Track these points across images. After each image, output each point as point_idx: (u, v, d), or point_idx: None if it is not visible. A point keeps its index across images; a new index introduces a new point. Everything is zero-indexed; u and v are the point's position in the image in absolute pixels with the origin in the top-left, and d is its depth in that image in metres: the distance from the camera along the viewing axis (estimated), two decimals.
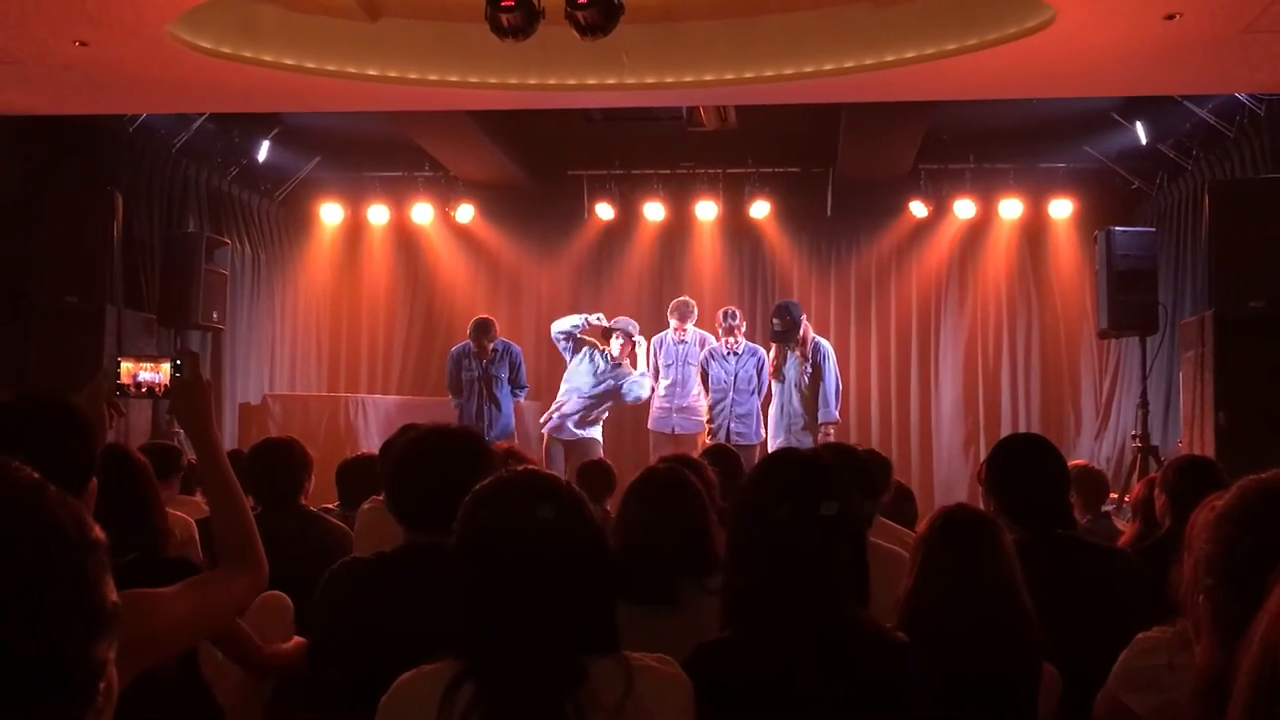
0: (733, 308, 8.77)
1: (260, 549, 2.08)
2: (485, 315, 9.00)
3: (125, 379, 2.36)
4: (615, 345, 8.44)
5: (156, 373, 2.38)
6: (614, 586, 1.83)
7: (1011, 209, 10.18)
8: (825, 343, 8.53)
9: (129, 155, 8.51)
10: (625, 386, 8.45)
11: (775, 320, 8.32)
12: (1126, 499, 6.28)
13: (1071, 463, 5.47)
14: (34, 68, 6.64)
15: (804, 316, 8.40)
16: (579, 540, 1.77)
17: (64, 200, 7.74)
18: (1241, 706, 0.76)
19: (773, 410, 8.38)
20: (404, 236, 11.08)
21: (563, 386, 8.64)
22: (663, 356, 8.78)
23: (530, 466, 1.95)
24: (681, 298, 9.13)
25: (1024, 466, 3.13)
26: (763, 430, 8.44)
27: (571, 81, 7.07)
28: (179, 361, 2.27)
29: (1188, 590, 1.38)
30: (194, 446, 2.14)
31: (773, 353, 8.41)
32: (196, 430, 2.13)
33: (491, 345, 8.65)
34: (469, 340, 8.73)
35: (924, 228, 10.57)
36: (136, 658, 1.79)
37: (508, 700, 1.66)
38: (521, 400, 8.91)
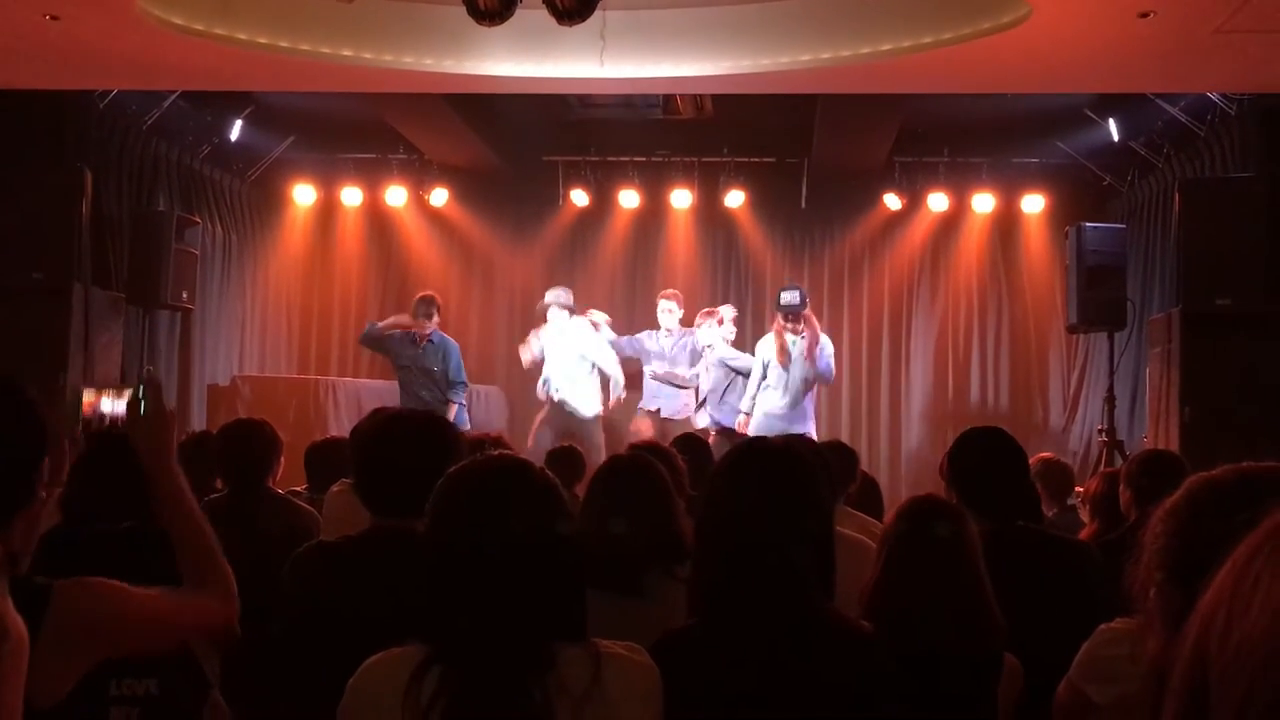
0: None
1: (231, 579, 2.01)
2: (431, 293, 8.63)
3: (86, 410, 2.30)
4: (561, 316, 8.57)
5: (121, 399, 2.36)
6: (583, 573, 1.83)
7: (984, 203, 10.25)
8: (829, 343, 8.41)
9: (99, 131, 8.41)
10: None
11: (789, 293, 8.16)
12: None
13: (1038, 456, 5.55)
14: (3, 41, 6.55)
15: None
16: (549, 526, 1.77)
17: (32, 176, 7.63)
18: (1174, 709, 0.77)
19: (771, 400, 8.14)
20: (377, 219, 11.02)
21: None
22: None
23: (504, 451, 1.95)
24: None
25: (983, 460, 3.16)
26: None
27: (547, 67, 7.05)
28: (141, 390, 2.15)
29: (1141, 584, 1.41)
30: (153, 482, 2.03)
31: (774, 337, 8.22)
32: (158, 465, 2.03)
33: (429, 333, 8.25)
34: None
35: (897, 220, 10.62)
36: (98, 641, 1.78)
37: (475, 685, 1.67)
38: (456, 401, 8.27)
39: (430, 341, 8.32)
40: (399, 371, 8.41)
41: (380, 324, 8.59)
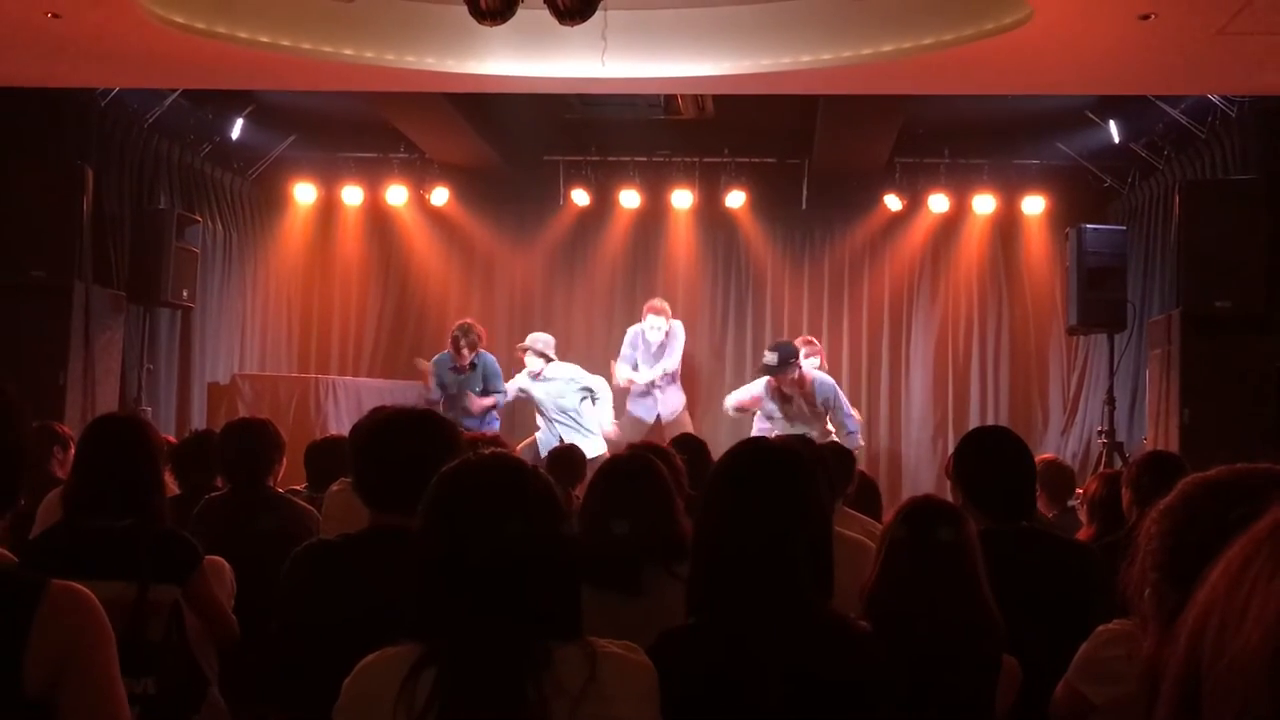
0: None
1: None
2: (468, 320, 8.87)
3: None
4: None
5: None
6: (578, 572, 1.83)
7: (985, 204, 10.24)
8: (826, 380, 8.36)
9: (100, 129, 8.41)
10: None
11: (769, 353, 8.16)
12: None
13: (1039, 457, 5.55)
14: (5, 38, 6.55)
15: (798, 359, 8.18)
16: (543, 524, 1.77)
17: (33, 173, 7.63)
18: (1165, 713, 0.76)
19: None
20: (378, 218, 11.01)
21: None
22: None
23: (498, 450, 1.95)
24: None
25: (991, 458, 3.16)
26: None
27: (549, 67, 7.05)
28: None
29: (1136, 585, 1.41)
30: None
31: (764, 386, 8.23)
32: None
33: (472, 357, 8.55)
34: (449, 349, 8.66)
35: (898, 221, 10.60)
36: (67, 657, 1.76)
37: (469, 684, 1.67)
38: (498, 403, 8.73)
39: (472, 366, 8.59)
40: (446, 400, 8.59)
41: (430, 393, 8.65)
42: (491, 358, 8.83)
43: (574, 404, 8.63)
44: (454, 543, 1.75)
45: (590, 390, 8.68)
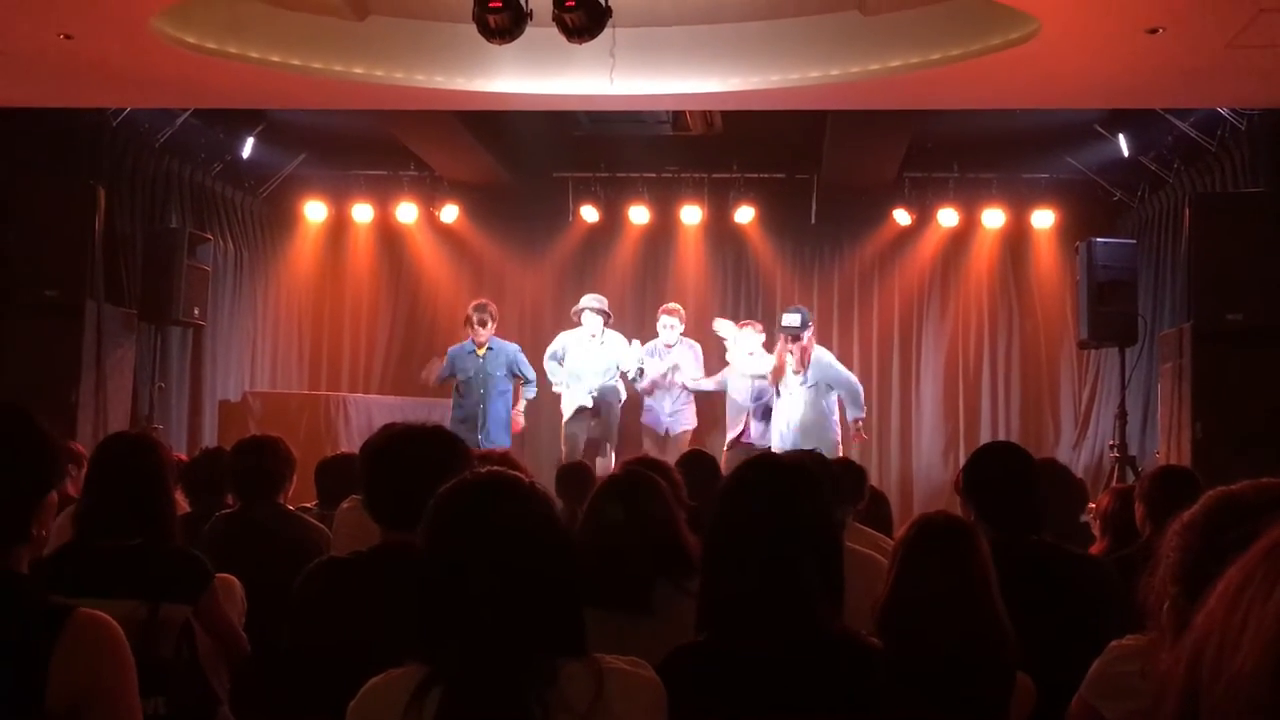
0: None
1: None
2: (484, 300, 8.90)
3: None
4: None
5: None
6: (580, 587, 1.82)
7: (994, 218, 10.23)
8: (824, 352, 8.52)
9: (112, 149, 8.46)
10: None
11: (790, 314, 8.25)
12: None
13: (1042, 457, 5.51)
14: (17, 59, 6.60)
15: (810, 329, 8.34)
16: (542, 541, 1.77)
17: (45, 193, 7.67)
18: None
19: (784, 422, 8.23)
20: (388, 236, 11.05)
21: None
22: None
23: (496, 468, 1.94)
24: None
25: (1001, 473, 3.15)
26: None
27: (558, 84, 7.07)
28: None
29: (1156, 597, 1.40)
30: None
31: (775, 355, 8.36)
32: None
33: (486, 340, 8.50)
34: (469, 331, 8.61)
35: (907, 236, 10.60)
36: (84, 683, 1.76)
37: (475, 704, 1.66)
38: (529, 395, 8.84)
39: (490, 349, 8.56)
40: (460, 386, 8.58)
41: (430, 376, 8.69)
42: (513, 345, 8.82)
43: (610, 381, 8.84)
44: (454, 561, 1.74)
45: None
